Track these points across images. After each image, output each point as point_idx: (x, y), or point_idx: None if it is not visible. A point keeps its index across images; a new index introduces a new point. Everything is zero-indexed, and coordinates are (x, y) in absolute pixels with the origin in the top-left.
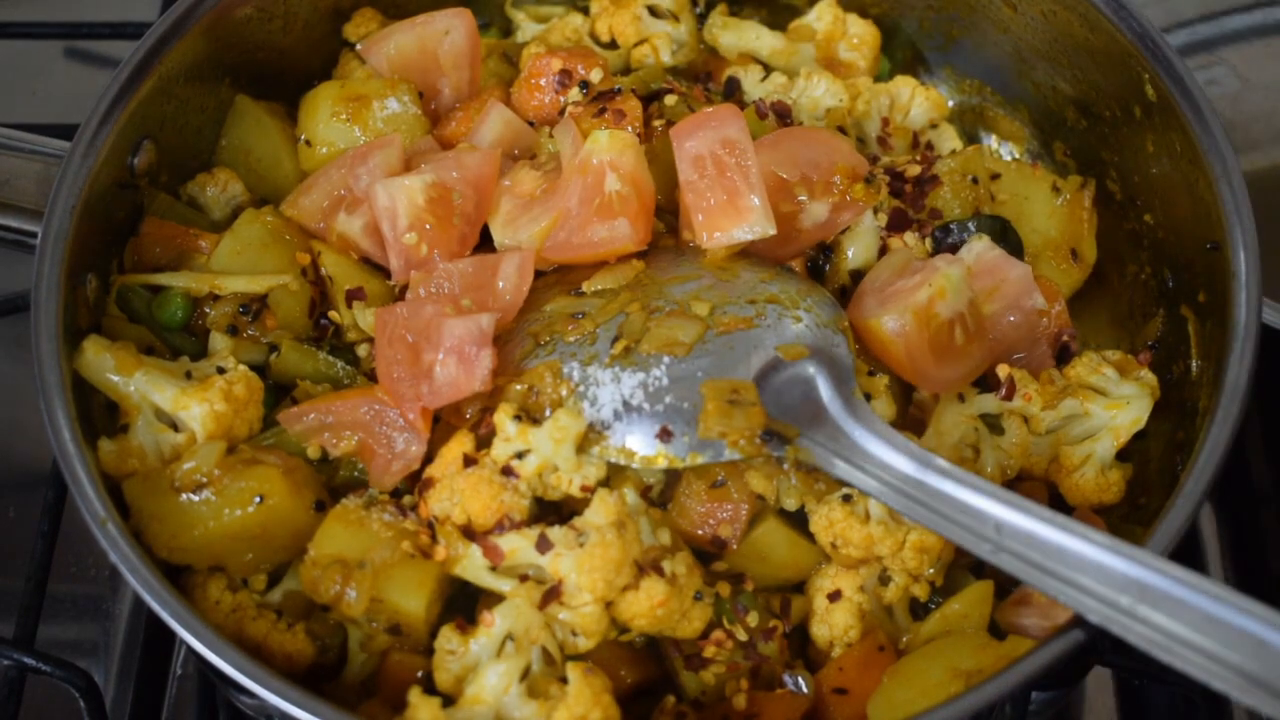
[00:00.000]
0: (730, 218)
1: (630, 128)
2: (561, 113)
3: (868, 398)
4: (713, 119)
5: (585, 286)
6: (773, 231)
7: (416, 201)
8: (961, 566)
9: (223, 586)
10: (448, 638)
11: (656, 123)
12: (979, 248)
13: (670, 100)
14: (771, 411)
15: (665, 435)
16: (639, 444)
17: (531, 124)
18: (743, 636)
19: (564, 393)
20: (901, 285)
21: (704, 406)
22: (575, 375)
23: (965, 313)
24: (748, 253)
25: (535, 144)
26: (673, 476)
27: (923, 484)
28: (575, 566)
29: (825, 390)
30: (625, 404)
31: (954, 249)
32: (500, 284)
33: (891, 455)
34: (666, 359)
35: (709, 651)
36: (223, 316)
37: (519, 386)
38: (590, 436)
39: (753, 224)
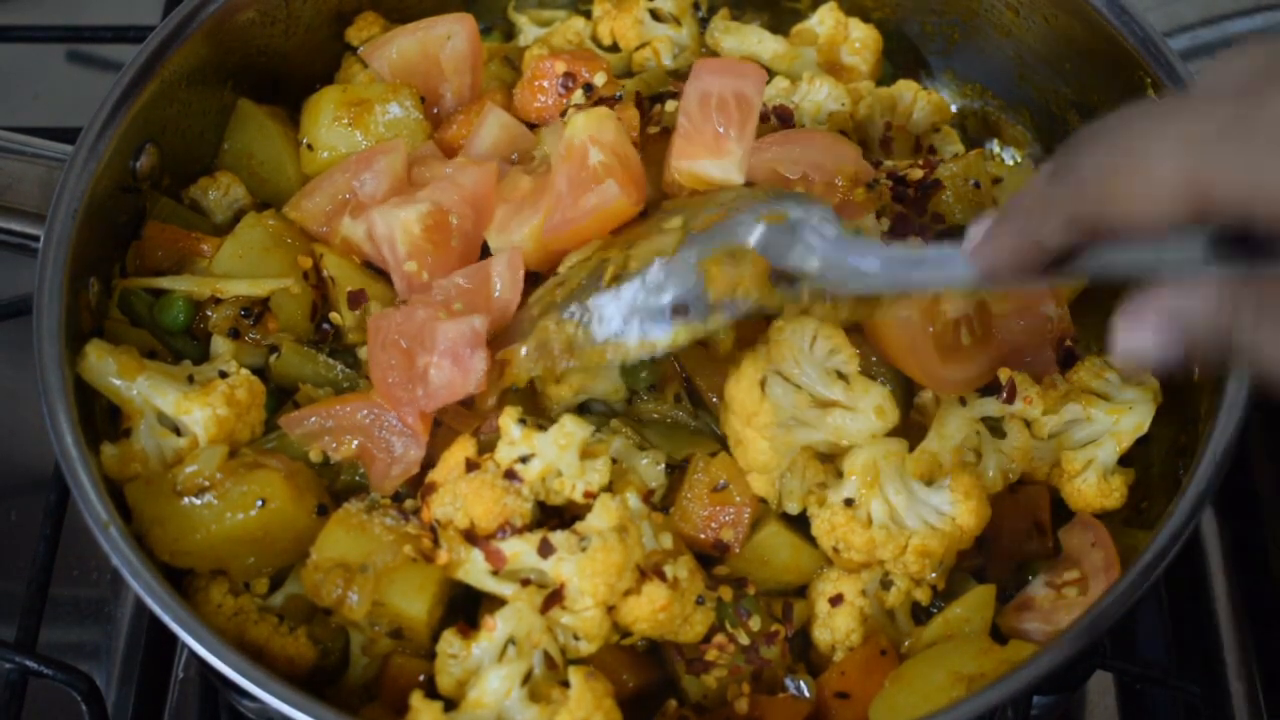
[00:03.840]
0: (706, 149)
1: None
2: (562, 114)
3: None
4: (741, 70)
5: (560, 266)
6: (740, 181)
7: (413, 231)
8: (963, 571)
9: (224, 590)
10: (449, 641)
11: (652, 129)
12: None
13: (670, 106)
14: (774, 264)
15: (680, 311)
16: (657, 331)
17: (534, 126)
18: (745, 640)
19: (571, 330)
20: None
21: (707, 274)
22: (576, 314)
23: (972, 315)
24: None
25: (533, 145)
26: (675, 480)
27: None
28: (577, 571)
29: (817, 233)
30: (631, 308)
31: None
32: (495, 282)
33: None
34: (658, 260)
35: (711, 655)
36: (224, 320)
37: (526, 349)
38: (609, 349)
39: (725, 164)
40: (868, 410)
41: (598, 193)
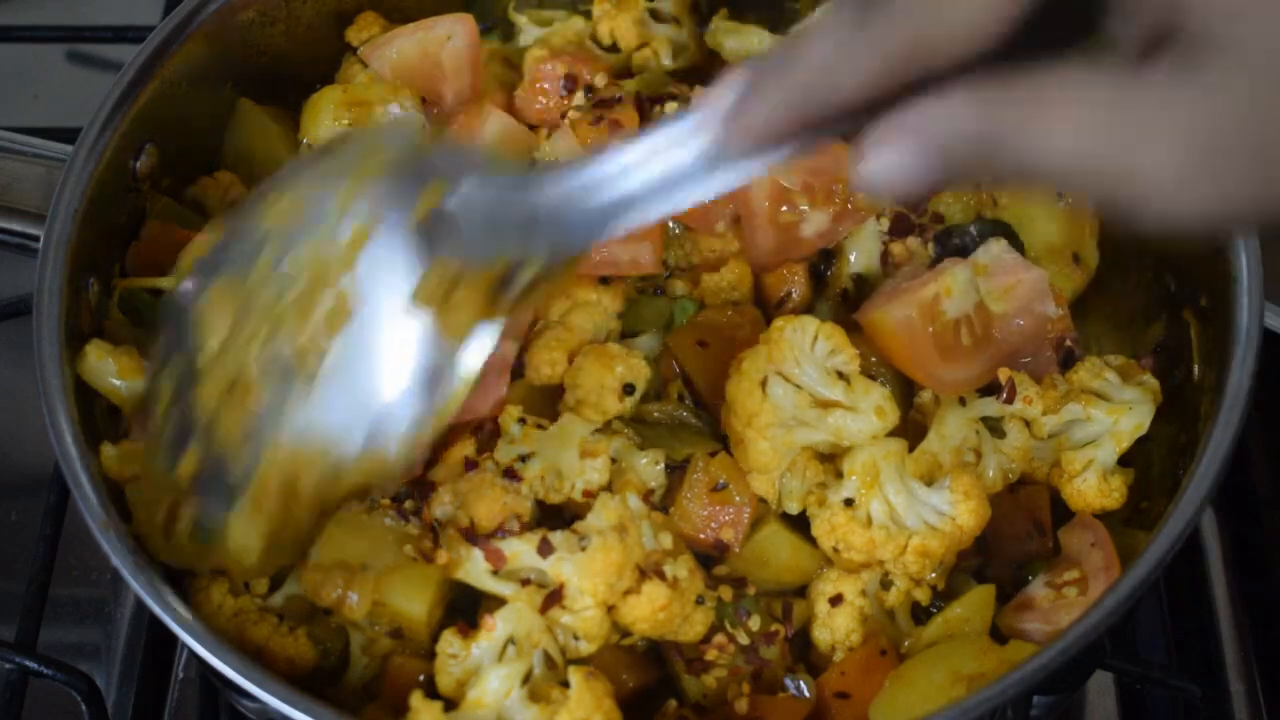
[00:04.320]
0: None
1: None
2: (563, 116)
3: None
4: None
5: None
6: None
7: None
8: (963, 571)
9: (224, 590)
10: (449, 642)
11: None
12: (996, 249)
13: (671, 108)
14: (486, 254)
15: (435, 378)
16: (417, 419)
17: (534, 127)
18: (744, 640)
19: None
20: (908, 285)
21: (435, 319)
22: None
23: (972, 315)
24: None
25: (533, 146)
26: (675, 480)
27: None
28: (577, 570)
29: (489, 195)
30: (355, 405)
31: (956, 253)
32: None
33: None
34: (356, 329)
35: (711, 655)
36: None
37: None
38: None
39: None
40: (868, 410)
41: (633, 252)
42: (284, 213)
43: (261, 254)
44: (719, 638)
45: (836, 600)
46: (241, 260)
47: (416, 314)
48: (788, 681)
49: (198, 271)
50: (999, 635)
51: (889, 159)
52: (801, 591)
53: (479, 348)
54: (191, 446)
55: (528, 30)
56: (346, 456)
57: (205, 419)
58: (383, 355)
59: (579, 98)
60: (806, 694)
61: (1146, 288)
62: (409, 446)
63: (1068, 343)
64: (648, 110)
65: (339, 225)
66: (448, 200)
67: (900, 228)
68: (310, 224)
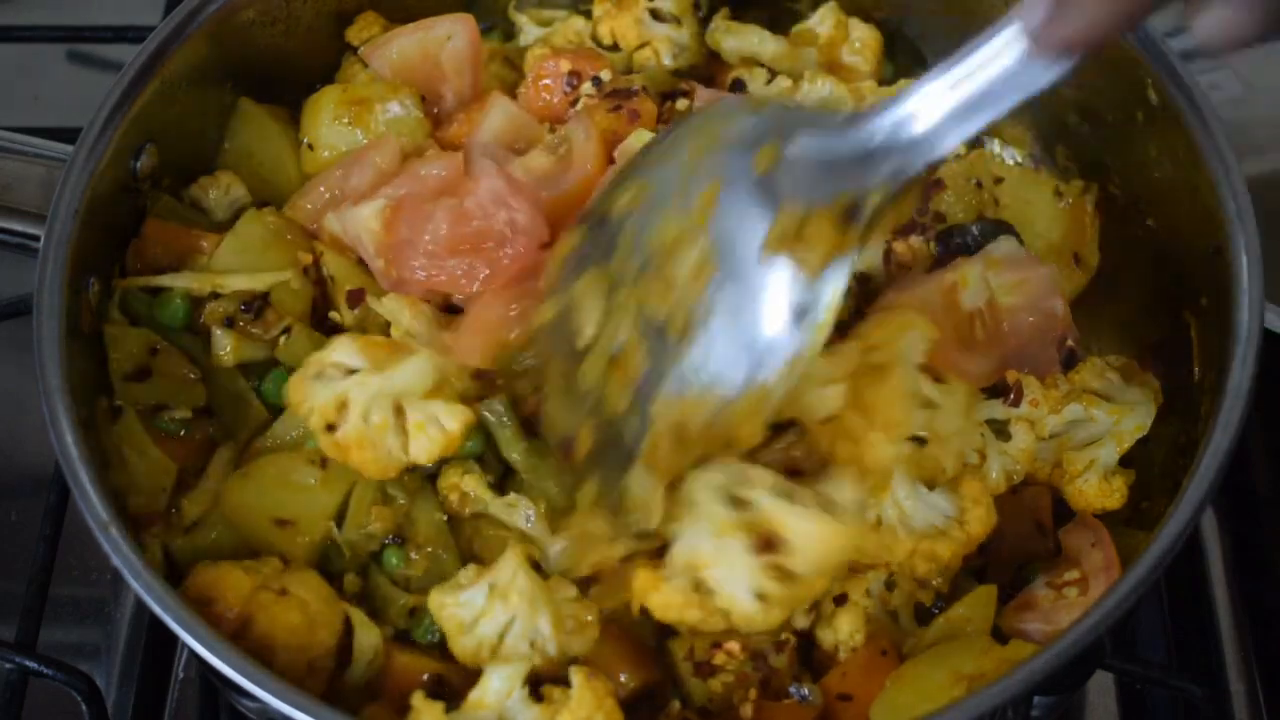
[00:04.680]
0: None
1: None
2: (574, 104)
3: None
4: None
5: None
6: None
7: (373, 228)
8: (964, 571)
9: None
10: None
11: (660, 128)
12: (1006, 246)
13: (682, 104)
14: (827, 193)
15: (800, 313)
16: (790, 348)
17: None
18: (763, 645)
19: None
20: (924, 277)
21: (791, 255)
22: (684, 384)
23: (984, 310)
24: None
25: (538, 137)
26: None
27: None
28: (806, 532)
29: (824, 136)
30: (736, 344)
31: (958, 252)
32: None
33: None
34: (726, 276)
35: (719, 660)
36: (224, 313)
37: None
38: (754, 398)
39: None
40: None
41: None
42: (634, 197)
43: (620, 237)
44: (731, 643)
45: (841, 600)
46: (602, 248)
47: (773, 259)
48: (792, 689)
49: (565, 268)
50: (1000, 635)
51: (1222, 14)
52: None
53: (837, 279)
54: (585, 425)
55: (528, 30)
56: (730, 395)
57: (593, 398)
58: (748, 300)
59: (587, 87)
60: (812, 700)
61: (1146, 288)
62: (788, 377)
63: (1069, 343)
64: (658, 105)
65: (687, 194)
66: (784, 151)
67: (903, 227)
68: (659, 200)
